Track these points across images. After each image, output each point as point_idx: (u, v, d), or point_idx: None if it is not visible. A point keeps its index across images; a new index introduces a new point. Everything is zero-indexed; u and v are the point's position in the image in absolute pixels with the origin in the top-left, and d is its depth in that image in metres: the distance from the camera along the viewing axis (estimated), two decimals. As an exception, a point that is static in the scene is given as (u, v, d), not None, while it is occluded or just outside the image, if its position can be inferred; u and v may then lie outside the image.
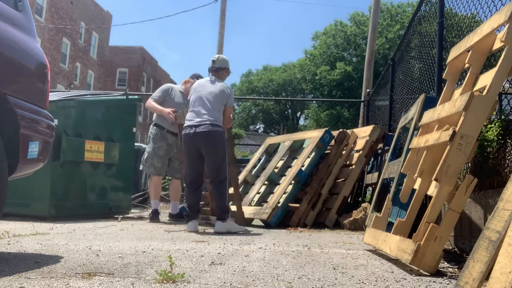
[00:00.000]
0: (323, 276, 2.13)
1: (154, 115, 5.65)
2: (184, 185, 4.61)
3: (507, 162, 2.58)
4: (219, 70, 4.65)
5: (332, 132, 5.84)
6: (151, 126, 5.65)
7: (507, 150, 2.60)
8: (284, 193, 5.36)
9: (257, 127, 46.58)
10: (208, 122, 4.34)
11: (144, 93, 33.11)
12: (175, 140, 5.51)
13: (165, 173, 5.76)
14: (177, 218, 5.52)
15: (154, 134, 5.55)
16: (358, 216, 4.95)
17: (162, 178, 5.85)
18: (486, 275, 1.50)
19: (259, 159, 6.64)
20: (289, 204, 5.40)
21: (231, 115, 4.60)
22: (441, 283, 2.04)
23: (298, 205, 5.42)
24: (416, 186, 2.90)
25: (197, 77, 5.64)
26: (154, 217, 5.39)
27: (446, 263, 2.64)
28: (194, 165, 4.43)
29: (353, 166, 5.66)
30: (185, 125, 4.49)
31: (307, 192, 5.47)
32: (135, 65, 38.20)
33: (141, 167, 5.70)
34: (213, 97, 4.44)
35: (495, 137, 2.65)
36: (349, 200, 6.07)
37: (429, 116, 2.90)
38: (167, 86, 5.72)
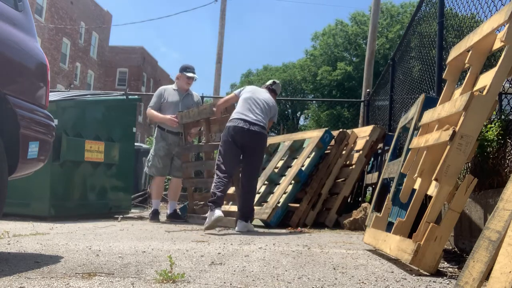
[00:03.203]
0: (323, 276, 2.13)
1: None
2: (216, 173, 4.52)
3: (507, 162, 2.58)
4: (272, 92, 4.94)
5: (332, 132, 5.84)
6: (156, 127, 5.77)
7: (507, 150, 2.60)
8: (284, 193, 5.36)
9: (257, 127, 46.46)
10: (261, 124, 4.53)
11: (144, 93, 33.08)
12: (176, 139, 5.58)
13: (167, 173, 5.78)
14: (172, 218, 5.52)
15: (156, 136, 5.68)
16: (358, 216, 4.95)
17: (164, 179, 5.91)
18: (486, 275, 1.50)
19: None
20: (289, 204, 5.40)
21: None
22: (441, 283, 2.04)
23: (298, 205, 5.42)
24: (416, 186, 2.90)
25: (184, 69, 5.74)
26: (154, 217, 5.45)
27: (446, 263, 2.64)
28: (234, 157, 4.53)
29: (353, 166, 5.66)
30: (238, 117, 4.52)
31: (307, 192, 5.47)
32: (135, 65, 38.19)
33: (145, 169, 5.82)
34: (267, 105, 4.67)
35: (495, 137, 2.65)
36: (349, 200, 6.07)
37: (429, 116, 2.90)
38: (159, 90, 5.79)
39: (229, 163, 4.49)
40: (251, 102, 4.60)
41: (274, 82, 5.04)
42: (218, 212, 4.21)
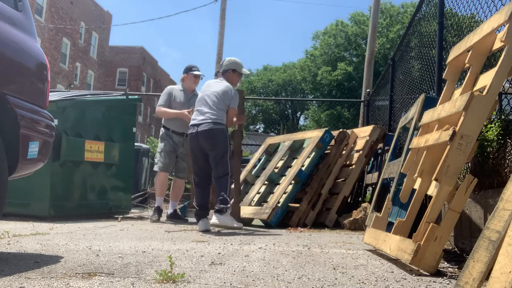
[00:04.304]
0: (323, 276, 2.13)
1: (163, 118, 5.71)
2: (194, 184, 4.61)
3: (507, 162, 2.58)
4: (224, 73, 4.67)
5: (332, 132, 5.84)
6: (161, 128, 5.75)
7: (507, 150, 2.60)
8: (284, 193, 5.36)
9: (257, 127, 46.59)
10: (209, 121, 4.35)
11: (144, 93, 33.13)
12: (181, 140, 5.57)
13: (171, 171, 5.74)
14: (173, 218, 5.51)
15: (161, 134, 5.66)
16: (358, 216, 4.95)
17: (168, 176, 5.82)
18: (486, 275, 1.50)
19: (259, 159, 6.65)
20: (289, 204, 5.40)
21: (234, 117, 4.56)
22: (441, 283, 2.04)
23: (298, 205, 5.41)
24: (416, 186, 2.90)
25: (189, 69, 5.69)
26: (157, 214, 5.40)
27: (446, 263, 2.64)
28: (200, 165, 4.47)
29: (353, 166, 5.66)
30: (190, 124, 4.52)
31: (307, 192, 5.47)
32: (135, 65, 38.19)
33: (154, 167, 5.76)
34: (215, 97, 4.45)
35: (495, 137, 2.65)
36: (349, 200, 6.07)
37: (429, 116, 2.90)
38: (168, 89, 5.76)
39: (196, 172, 4.51)
40: (200, 103, 4.53)
41: (221, 65, 4.74)
42: (200, 226, 4.31)
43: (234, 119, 4.59)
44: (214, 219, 4.25)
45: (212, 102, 4.43)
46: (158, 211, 5.47)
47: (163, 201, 5.72)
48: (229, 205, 4.35)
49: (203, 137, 4.34)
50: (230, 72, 4.67)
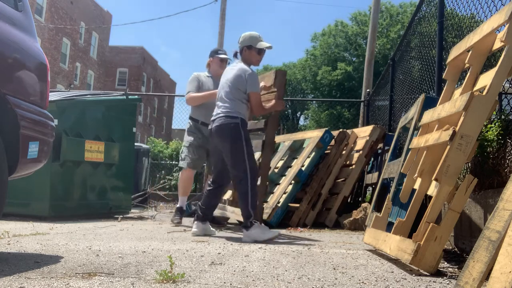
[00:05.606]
0: (323, 276, 2.13)
1: (190, 108, 5.20)
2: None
3: (507, 162, 2.58)
4: (241, 53, 4.06)
5: (332, 132, 5.84)
6: (188, 120, 5.23)
7: (507, 150, 2.60)
8: (284, 193, 5.36)
9: (257, 127, 46.52)
10: (221, 115, 3.86)
11: (144, 93, 33.12)
12: None
13: (200, 168, 5.28)
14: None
15: (188, 127, 5.14)
16: (358, 216, 4.95)
17: (194, 174, 5.29)
18: (486, 275, 1.50)
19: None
20: (289, 204, 5.40)
21: (259, 101, 3.93)
22: (441, 283, 2.04)
23: (298, 205, 5.42)
24: (416, 186, 2.90)
25: (215, 52, 5.26)
26: (178, 214, 4.96)
27: (446, 263, 2.64)
28: (215, 164, 4.07)
29: (353, 166, 5.66)
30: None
31: (307, 192, 5.47)
32: (135, 65, 38.20)
33: (180, 164, 5.20)
34: (228, 86, 3.92)
35: (495, 137, 2.65)
36: (349, 200, 6.07)
37: (429, 116, 2.90)
38: (194, 76, 5.20)
39: (213, 170, 4.11)
40: (217, 96, 4.08)
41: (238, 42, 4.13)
42: (193, 227, 3.94)
43: (268, 105, 4.02)
44: (243, 238, 3.72)
45: (225, 93, 3.91)
46: (181, 212, 4.98)
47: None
48: (252, 218, 3.70)
49: (215, 134, 3.89)
50: (245, 49, 4.02)
